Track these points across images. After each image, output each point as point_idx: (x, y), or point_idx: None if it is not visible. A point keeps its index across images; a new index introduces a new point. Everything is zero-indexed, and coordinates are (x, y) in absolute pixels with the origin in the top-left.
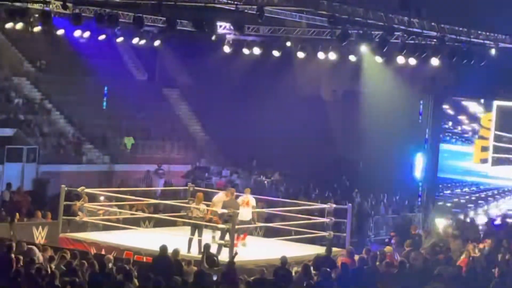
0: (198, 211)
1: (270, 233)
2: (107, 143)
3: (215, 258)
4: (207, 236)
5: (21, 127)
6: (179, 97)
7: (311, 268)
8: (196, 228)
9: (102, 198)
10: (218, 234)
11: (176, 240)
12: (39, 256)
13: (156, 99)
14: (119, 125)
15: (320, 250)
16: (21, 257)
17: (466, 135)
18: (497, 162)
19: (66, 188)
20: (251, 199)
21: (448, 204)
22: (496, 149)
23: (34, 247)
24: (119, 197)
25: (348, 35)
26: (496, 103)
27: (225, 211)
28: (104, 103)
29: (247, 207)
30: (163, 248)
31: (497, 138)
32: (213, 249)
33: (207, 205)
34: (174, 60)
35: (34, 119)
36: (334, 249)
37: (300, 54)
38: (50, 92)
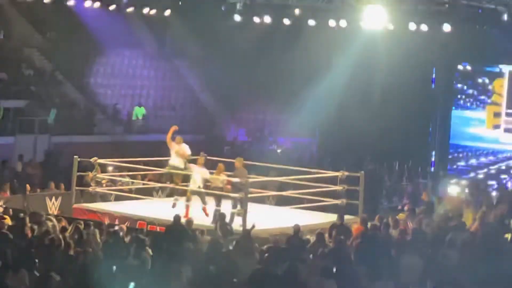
0: (218, 181)
1: (282, 201)
2: (118, 114)
3: (229, 227)
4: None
5: (33, 99)
6: (189, 67)
7: (325, 236)
8: (218, 198)
9: (110, 168)
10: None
11: (192, 210)
12: (52, 226)
13: (166, 70)
14: (130, 96)
15: (333, 218)
16: (35, 228)
17: (478, 101)
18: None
19: (78, 159)
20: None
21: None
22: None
23: (47, 217)
24: (131, 167)
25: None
26: (508, 68)
27: (237, 180)
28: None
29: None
30: (177, 218)
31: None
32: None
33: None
34: (185, 30)
35: (45, 90)
36: (347, 217)
37: (311, 22)
38: (61, 63)
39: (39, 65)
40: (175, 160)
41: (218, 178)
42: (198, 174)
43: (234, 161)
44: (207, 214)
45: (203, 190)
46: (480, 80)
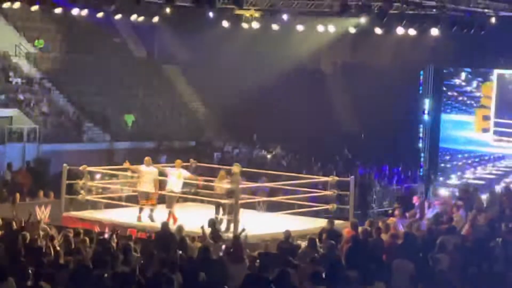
0: (219, 189)
1: (273, 207)
2: (107, 121)
3: (220, 234)
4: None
5: (21, 107)
6: (178, 73)
7: (317, 241)
8: (220, 206)
9: (98, 176)
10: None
11: (183, 216)
12: (41, 235)
13: (155, 76)
14: (119, 103)
15: (323, 223)
16: (24, 236)
17: (467, 105)
18: (498, 133)
19: (67, 167)
20: (183, 172)
21: (452, 176)
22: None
23: (37, 226)
24: (121, 174)
25: (347, 8)
26: (496, 72)
27: (228, 186)
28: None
29: (178, 179)
30: (165, 224)
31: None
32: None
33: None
34: (173, 36)
35: (34, 98)
36: (338, 221)
37: (299, 27)
38: (49, 71)
39: (27, 73)
40: (144, 187)
41: (220, 185)
42: (173, 177)
43: (232, 167)
44: (174, 219)
45: (173, 194)
46: (468, 84)
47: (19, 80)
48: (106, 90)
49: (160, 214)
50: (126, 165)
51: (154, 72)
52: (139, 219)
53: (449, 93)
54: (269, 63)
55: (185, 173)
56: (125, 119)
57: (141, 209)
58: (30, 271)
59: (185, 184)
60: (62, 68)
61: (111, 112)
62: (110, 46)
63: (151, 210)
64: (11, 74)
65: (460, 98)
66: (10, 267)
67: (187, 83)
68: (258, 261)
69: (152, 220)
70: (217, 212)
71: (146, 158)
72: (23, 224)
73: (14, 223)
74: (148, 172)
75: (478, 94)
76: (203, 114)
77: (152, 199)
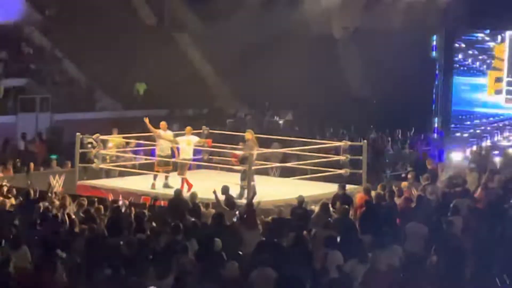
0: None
1: (286, 173)
2: (119, 90)
3: (234, 200)
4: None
5: (33, 77)
6: (190, 41)
7: (330, 206)
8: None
9: (110, 144)
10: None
11: (196, 183)
12: (56, 204)
13: (166, 44)
14: (130, 71)
15: (336, 188)
16: (40, 205)
17: (479, 67)
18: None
19: (80, 136)
20: (192, 138)
21: (465, 135)
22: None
23: (51, 195)
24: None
25: None
26: (509, 33)
27: (241, 152)
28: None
29: (188, 146)
30: (178, 192)
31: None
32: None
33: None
34: (184, 4)
35: (45, 68)
36: (351, 186)
37: None
38: (60, 41)
39: (38, 43)
40: (160, 150)
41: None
42: (183, 144)
43: (245, 134)
44: (189, 186)
45: (184, 162)
46: (481, 46)
47: (30, 49)
48: (117, 59)
49: (174, 182)
50: (146, 120)
51: (165, 39)
52: (153, 186)
53: (461, 56)
54: (280, 29)
55: (194, 139)
56: (136, 87)
57: (155, 176)
58: (46, 240)
59: (198, 151)
60: (72, 38)
61: (123, 81)
62: (120, 14)
63: (166, 178)
64: (22, 44)
65: (473, 61)
66: (25, 236)
67: (198, 50)
68: (271, 226)
69: (168, 187)
70: (242, 178)
71: (162, 122)
72: (38, 194)
73: (31, 192)
74: (166, 136)
75: (490, 56)
76: (215, 81)
77: (169, 164)
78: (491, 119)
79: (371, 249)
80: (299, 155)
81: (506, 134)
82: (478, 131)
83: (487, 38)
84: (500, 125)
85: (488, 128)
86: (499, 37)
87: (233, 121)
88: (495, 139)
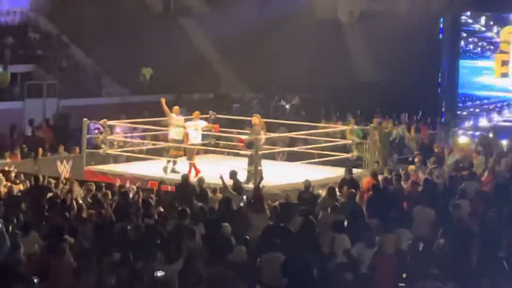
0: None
1: (293, 157)
2: (125, 75)
3: (242, 185)
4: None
5: (40, 63)
6: (195, 25)
7: (336, 190)
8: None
9: (118, 130)
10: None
11: (204, 168)
12: (64, 189)
13: (172, 29)
14: (136, 56)
15: (343, 172)
16: (47, 191)
17: (486, 50)
18: None
19: (87, 121)
20: (199, 122)
21: (472, 118)
22: None
23: (59, 181)
24: (141, 128)
25: None
26: None
27: (247, 137)
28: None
29: (196, 131)
30: (185, 177)
31: None
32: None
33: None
34: None
35: (52, 54)
36: (358, 170)
37: None
38: (66, 26)
39: (44, 28)
40: (174, 134)
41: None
42: (191, 129)
43: (251, 118)
44: (197, 171)
45: (193, 147)
46: (487, 29)
47: (37, 35)
48: (123, 44)
49: (182, 167)
50: (163, 101)
51: (171, 24)
52: (166, 169)
53: (468, 39)
54: (286, 13)
55: (202, 123)
56: (143, 72)
57: (168, 161)
58: (54, 225)
59: (205, 136)
60: (79, 23)
61: (129, 66)
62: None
63: (174, 163)
64: (29, 29)
65: (479, 44)
66: (34, 222)
67: (204, 35)
68: (278, 211)
69: (175, 172)
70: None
71: (175, 107)
72: (46, 179)
73: (40, 178)
74: (178, 120)
75: (497, 39)
76: (221, 66)
77: (181, 149)
78: (499, 104)
79: (378, 232)
80: (306, 139)
81: None
82: (484, 114)
83: (483, 29)
84: (506, 108)
85: (495, 111)
86: (495, 28)
87: (239, 106)
88: (502, 123)
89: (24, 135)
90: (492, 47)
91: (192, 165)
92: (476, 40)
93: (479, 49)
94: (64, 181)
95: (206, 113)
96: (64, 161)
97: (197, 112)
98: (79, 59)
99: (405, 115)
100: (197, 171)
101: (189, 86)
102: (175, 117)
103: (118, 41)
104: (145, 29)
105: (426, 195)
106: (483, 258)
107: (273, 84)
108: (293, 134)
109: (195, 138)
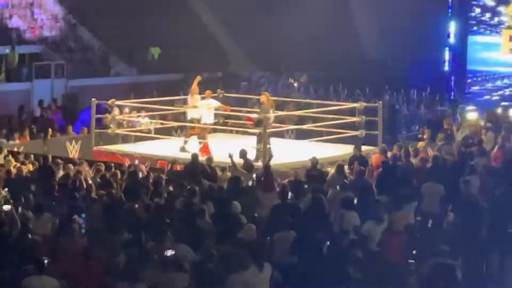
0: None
1: (301, 135)
2: (133, 55)
3: (252, 163)
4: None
5: (47, 43)
6: (203, 4)
7: (345, 167)
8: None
9: (127, 109)
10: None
11: (213, 147)
12: (74, 169)
13: (180, 7)
14: (144, 36)
15: (352, 149)
16: (57, 171)
17: (494, 26)
18: None
19: (96, 102)
20: (212, 101)
21: (481, 94)
22: None
23: (68, 162)
24: (149, 107)
25: None
26: None
27: (255, 115)
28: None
29: (209, 110)
30: (194, 156)
31: None
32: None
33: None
34: None
35: (60, 34)
36: (367, 147)
37: None
38: (73, 7)
39: (52, 9)
40: (194, 113)
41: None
42: (203, 108)
43: (260, 96)
44: (207, 152)
45: (205, 126)
46: (496, 5)
47: (44, 16)
48: (130, 24)
49: (193, 146)
50: (197, 79)
51: (178, 3)
52: (183, 149)
53: (477, 15)
54: None
55: (214, 103)
56: (151, 52)
57: (185, 141)
58: (63, 206)
59: (215, 115)
60: (87, 4)
61: (137, 46)
62: None
63: (185, 142)
64: (36, 11)
65: (488, 20)
66: (44, 203)
67: (212, 13)
68: (287, 188)
69: (184, 151)
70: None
71: (207, 91)
72: (56, 160)
73: (49, 158)
74: (193, 100)
75: (505, 15)
76: (229, 44)
77: (199, 128)
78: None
79: (388, 209)
80: (315, 117)
81: None
82: (493, 89)
83: (493, 3)
84: None
85: (504, 87)
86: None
87: (247, 84)
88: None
89: (32, 116)
90: (500, 23)
91: (204, 145)
92: (484, 16)
93: (487, 25)
94: (74, 161)
95: (215, 92)
96: (73, 142)
97: (209, 91)
98: (87, 39)
99: (414, 92)
100: (208, 153)
101: (197, 65)
102: (195, 96)
103: (126, 20)
104: (153, 8)
105: (435, 171)
106: (492, 234)
107: (282, 62)
108: (301, 112)
109: (207, 117)
